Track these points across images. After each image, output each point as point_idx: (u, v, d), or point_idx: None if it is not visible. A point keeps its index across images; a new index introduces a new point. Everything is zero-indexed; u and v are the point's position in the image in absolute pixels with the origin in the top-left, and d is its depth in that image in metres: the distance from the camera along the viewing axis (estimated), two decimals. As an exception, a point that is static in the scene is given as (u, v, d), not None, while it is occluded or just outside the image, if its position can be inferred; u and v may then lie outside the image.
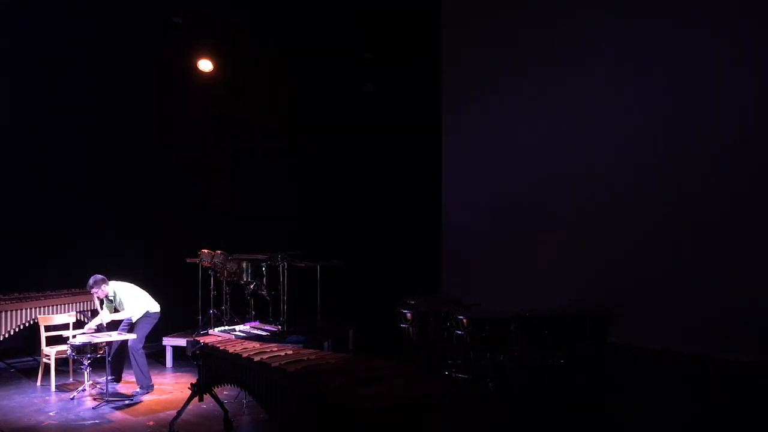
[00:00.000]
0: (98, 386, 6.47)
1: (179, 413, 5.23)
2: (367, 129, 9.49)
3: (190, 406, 5.27)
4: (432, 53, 9.50)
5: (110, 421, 5.62)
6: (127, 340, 6.54)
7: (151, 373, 6.64)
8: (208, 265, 7.90)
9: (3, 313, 6.88)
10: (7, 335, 6.97)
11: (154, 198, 9.09)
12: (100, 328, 6.62)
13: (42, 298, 7.24)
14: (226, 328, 7.06)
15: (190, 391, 5.21)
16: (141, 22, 8.74)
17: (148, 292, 6.85)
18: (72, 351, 6.25)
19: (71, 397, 6.30)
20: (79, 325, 7.13)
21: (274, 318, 7.95)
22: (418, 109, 9.45)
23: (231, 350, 4.78)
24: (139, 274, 7.19)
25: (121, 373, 6.89)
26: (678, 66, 6.93)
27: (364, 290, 8.95)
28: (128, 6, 8.61)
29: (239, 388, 4.86)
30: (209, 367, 5.11)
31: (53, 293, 7.42)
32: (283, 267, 7.88)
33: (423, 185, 9.43)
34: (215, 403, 5.36)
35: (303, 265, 8.17)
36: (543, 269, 8.06)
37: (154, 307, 6.75)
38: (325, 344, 7.86)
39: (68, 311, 7.33)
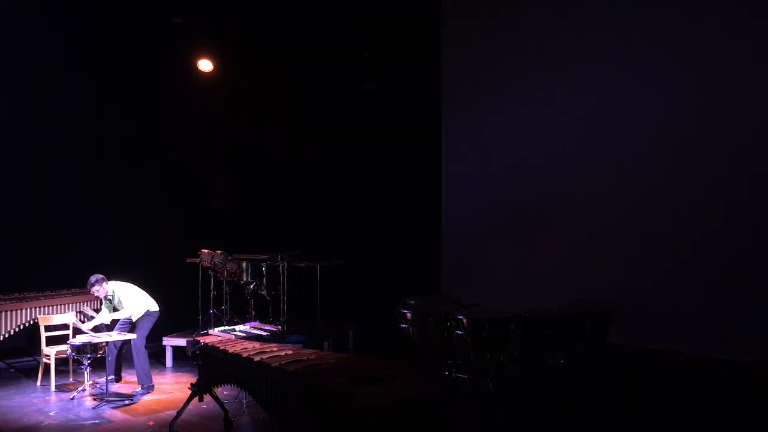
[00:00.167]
0: (98, 386, 6.47)
1: (179, 413, 5.24)
2: (367, 129, 9.49)
3: (190, 406, 5.27)
4: (432, 53, 9.50)
5: (110, 421, 5.62)
6: (126, 340, 6.55)
7: (151, 373, 6.65)
8: (208, 265, 7.91)
9: (3, 313, 6.88)
10: (7, 335, 6.97)
11: (154, 198, 9.09)
12: (100, 328, 6.63)
13: (42, 298, 7.24)
14: (226, 328, 7.05)
15: (190, 391, 5.21)
16: (141, 22, 8.74)
17: (148, 292, 6.87)
18: (72, 351, 6.26)
19: (71, 397, 6.31)
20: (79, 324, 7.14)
21: (274, 318, 7.95)
22: (418, 109, 9.45)
23: (231, 350, 4.78)
24: (139, 274, 7.19)
25: (121, 372, 6.90)
26: (679, 66, 6.93)
27: (364, 290, 8.95)
28: (128, 6, 8.61)
29: (239, 388, 4.86)
30: (209, 367, 5.11)
31: (53, 293, 7.42)
32: (283, 267, 7.88)
33: (423, 185, 9.42)
34: (215, 403, 5.36)
35: (303, 265, 8.17)
36: (543, 269, 8.05)
37: (154, 306, 6.76)
38: (325, 344, 7.86)
39: (68, 311, 7.33)
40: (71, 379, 7.03)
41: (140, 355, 6.49)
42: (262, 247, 8.21)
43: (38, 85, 8.33)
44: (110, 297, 6.67)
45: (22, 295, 7.17)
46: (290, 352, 4.65)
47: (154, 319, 6.74)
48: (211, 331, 6.81)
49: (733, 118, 6.49)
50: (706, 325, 6.50)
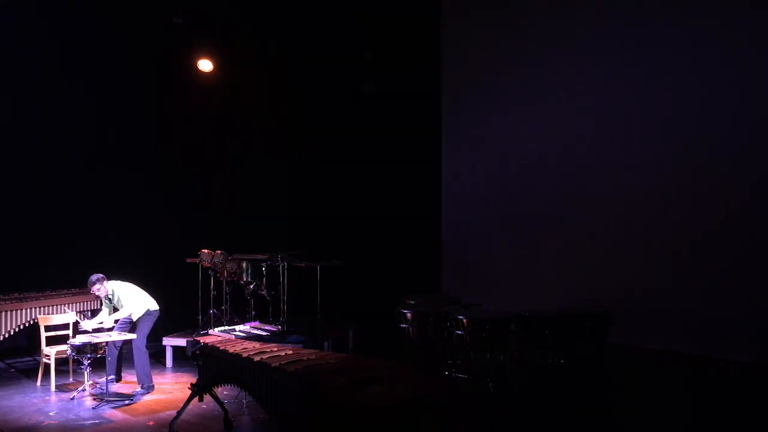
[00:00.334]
0: (98, 386, 6.47)
1: (179, 413, 5.24)
2: (367, 129, 9.49)
3: (190, 406, 5.27)
4: (432, 53, 9.50)
5: (110, 421, 5.62)
6: (127, 340, 6.55)
7: (151, 373, 6.65)
8: (208, 265, 7.91)
9: (3, 313, 6.89)
10: (7, 335, 6.97)
11: (154, 198, 9.09)
12: (100, 328, 6.63)
13: (42, 298, 7.24)
14: (226, 328, 7.05)
15: (190, 391, 5.21)
16: (141, 22, 8.74)
17: (148, 292, 6.87)
18: (72, 351, 6.26)
19: (71, 397, 6.31)
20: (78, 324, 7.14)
21: (274, 318, 7.95)
22: (418, 109, 9.45)
23: (231, 350, 4.78)
24: (139, 274, 7.19)
25: (121, 372, 6.90)
26: (679, 66, 6.92)
27: (364, 290, 8.95)
28: (128, 6, 8.61)
29: (239, 388, 4.86)
30: (209, 367, 5.11)
31: (53, 293, 7.42)
32: (283, 267, 7.88)
33: (423, 185, 9.43)
34: (215, 403, 5.37)
35: (303, 265, 8.17)
36: (543, 269, 8.05)
37: (154, 305, 6.76)
38: (325, 344, 7.86)
39: (68, 311, 7.33)
40: (71, 379, 7.03)
41: (141, 355, 6.49)
42: (262, 247, 8.21)
43: (38, 85, 8.33)
44: (110, 296, 6.68)
45: (22, 295, 7.17)
46: (290, 352, 4.65)
47: (155, 319, 6.75)
48: (211, 331, 6.81)
49: (734, 118, 6.49)
50: (706, 325, 6.50)
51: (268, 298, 7.99)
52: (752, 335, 6.16)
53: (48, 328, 6.98)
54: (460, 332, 5.79)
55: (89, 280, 6.58)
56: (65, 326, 7.08)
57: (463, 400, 5.69)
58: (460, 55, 9.33)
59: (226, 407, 5.37)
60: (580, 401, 5.67)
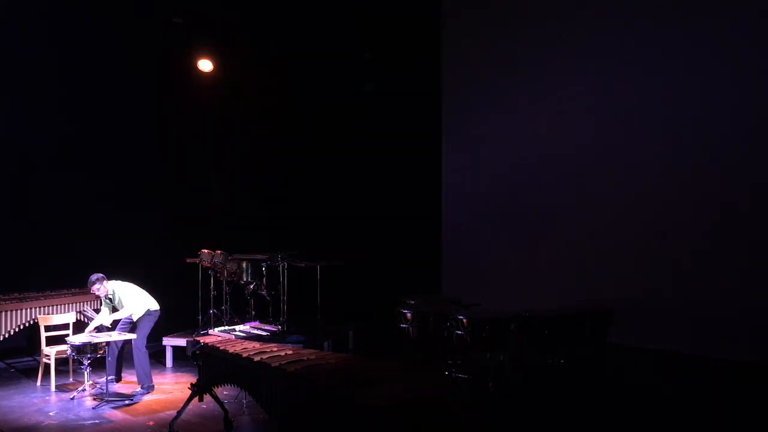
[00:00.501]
0: (98, 386, 6.47)
1: (179, 413, 5.24)
2: (367, 129, 9.49)
3: (190, 406, 5.27)
4: (432, 53, 9.50)
5: (110, 421, 5.62)
6: (127, 340, 6.55)
7: (152, 373, 6.64)
8: (208, 265, 7.91)
9: (3, 313, 6.88)
10: (7, 335, 6.97)
11: (154, 198, 9.09)
12: (100, 329, 6.63)
13: (42, 298, 7.24)
14: (226, 328, 7.06)
15: (190, 391, 5.21)
16: (141, 22, 8.73)
17: (148, 292, 6.86)
18: (72, 351, 6.26)
19: (71, 397, 6.31)
20: (79, 324, 7.13)
21: (274, 318, 7.95)
22: (418, 109, 9.45)
23: (231, 350, 4.78)
24: (139, 274, 7.19)
25: (121, 372, 6.89)
26: (680, 65, 6.93)
27: (364, 290, 8.95)
28: (128, 6, 8.60)
29: (239, 388, 4.86)
30: (209, 367, 5.11)
31: (53, 293, 7.42)
32: (283, 267, 7.88)
33: (423, 185, 9.43)
34: (215, 403, 5.36)
35: (303, 265, 8.17)
36: (543, 269, 8.06)
37: (154, 305, 6.76)
38: (325, 344, 7.86)
39: (68, 311, 7.33)
40: (71, 379, 7.03)
41: (141, 355, 6.48)
42: (262, 247, 8.21)
43: (38, 85, 8.33)
44: (110, 296, 6.67)
45: (22, 295, 7.17)
46: (290, 352, 4.65)
47: (155, 319, 6.74)
48: (211, 331, 6.82)
49: (734, 118, 6.49)
50: (706, 325, 6.51)
51: (268, 298, 7.99)
52: (752, 335, 6.16)
53: (48, 328, 6.98)
54: (460, 332, 5.79)
55: (89, 280, 6.58)
56: (65, 326, 7.08)
57: (463, 400, 5.68)
58: (460, 55, 9.33)
59: (226, 407, 5.37)
60: (580, 401, 5.67)
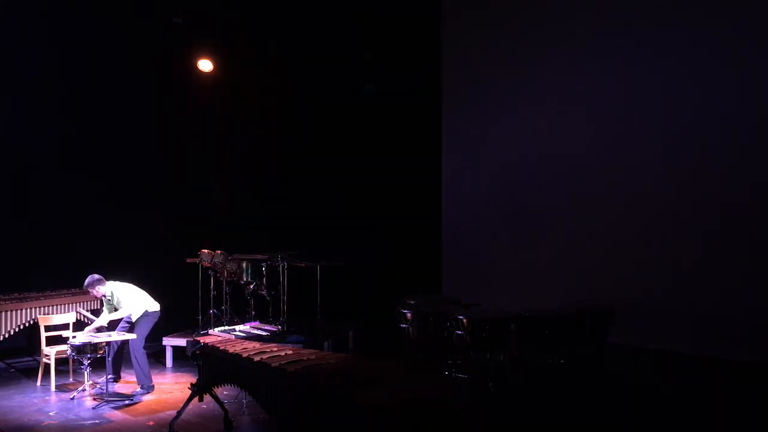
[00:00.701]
0: (98, 386, 6.47)
1: (179, 413, 5.24)
2: (367, 129, 9.49)
3: (190, 406, 5.27)
4: (432, 53, 9.50)
5: (110, 421, 5.62)
6: (127, 340, 6.55)
7: (151, 373, 6.64)
8: (208, 265, 7.90)
9: (3, 313, 6.88)
10: (7, 335, 6.97)
11: (154, 198, 9.09)
12: (100, 329, 6.63)
13: (42, 298, 7.24)
14: (226, 328, 7.06)
15: (190, 391, 5.21)
16: (141, 22, 8.73)
17: (148, 292, 6.85)
18: (72, 351, 6.25)
19: (71, 397, 6.30)
20: (79, 324, 7.13)
21: (274, 318, 7.95)
22: (418, 109, 9.44)
23: (231, 350, 4.78)
24: (139, 274, 7.19)
25: (120, 372, 6.89)
26: (679, 66, 6.93)
27: (364, 290, 8.95)
28: (128, 6, 8.60)
29: (239, 388, 4.86)
30: (209, 367, 5.11)
31: (53, 293, 7.42)
32: (283, 267, 7.88)
33: (423, 185, 9.42)
34: (215, 403, 5.36)
35: (303, 265, 8.17)
36: (543, 269, 8.06)
37: (154, 306, 6.75)
38: (325, 344, 7.86)
39: (68, 311, 7.33)
40: (71, 379, 7.03)
41: (139, 355, 6.46)
42: (262, 247, 8.21)
43: (38, 85, 8.33)
44: (109, 297, 6.67)
45: (22, 295, 7.17)
46: (290, 352, 4.65)
47: (155, 319, 6.73)
48: (211, 331, 6.81)
49: (734, 118, 6.49)
50: (706, 325, 6.51)
51: (268, 298, 7.99)
52: (752, 335, 6.16)
53: (48, 328, 6.97)
54: (460, 332, 5.80)
55: (86, 282, 6.57)
56: (65, 326, 7.08)
57: (463, 400, 5.68)
58: (460, 55, 9.34)
59: (226, 407, 5.37)
60: (580, 401, 5.67)
